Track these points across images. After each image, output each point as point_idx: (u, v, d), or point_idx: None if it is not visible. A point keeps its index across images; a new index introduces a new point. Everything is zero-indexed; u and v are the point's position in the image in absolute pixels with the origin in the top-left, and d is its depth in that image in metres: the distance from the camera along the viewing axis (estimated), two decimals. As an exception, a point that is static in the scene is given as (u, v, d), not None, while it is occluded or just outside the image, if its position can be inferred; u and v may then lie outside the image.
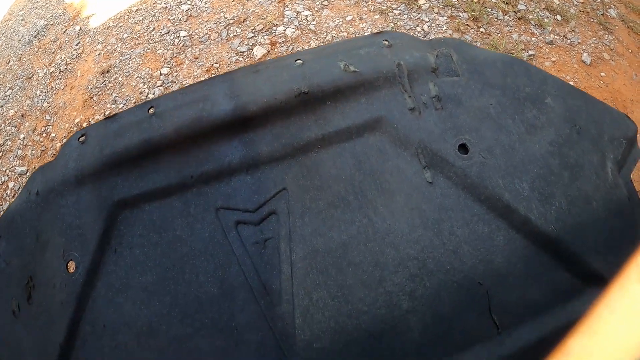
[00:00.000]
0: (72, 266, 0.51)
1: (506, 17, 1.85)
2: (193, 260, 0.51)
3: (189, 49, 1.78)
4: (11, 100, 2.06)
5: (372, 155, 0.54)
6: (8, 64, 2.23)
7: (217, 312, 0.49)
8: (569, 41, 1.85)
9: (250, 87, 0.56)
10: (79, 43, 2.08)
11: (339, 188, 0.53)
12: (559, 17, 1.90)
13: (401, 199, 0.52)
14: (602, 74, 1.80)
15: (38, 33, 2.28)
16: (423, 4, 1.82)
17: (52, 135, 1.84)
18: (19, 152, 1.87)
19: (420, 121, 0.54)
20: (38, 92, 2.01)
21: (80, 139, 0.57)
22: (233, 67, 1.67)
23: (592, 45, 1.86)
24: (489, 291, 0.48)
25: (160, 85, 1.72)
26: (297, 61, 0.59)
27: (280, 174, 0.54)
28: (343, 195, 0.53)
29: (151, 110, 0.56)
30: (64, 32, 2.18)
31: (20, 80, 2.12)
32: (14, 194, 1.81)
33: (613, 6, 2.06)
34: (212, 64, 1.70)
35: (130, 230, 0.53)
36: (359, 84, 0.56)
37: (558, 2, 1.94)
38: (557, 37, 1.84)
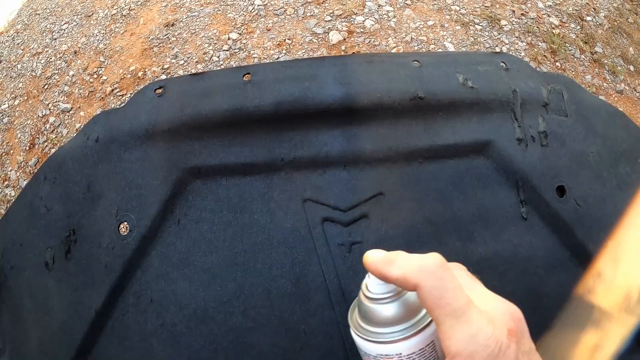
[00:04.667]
0: (125, 228, 0.45)
1: (582, 56, 1.67)
2: (269, 249, 0.44)
3: (262, 19, 1.57)
4: (66, 35, 1.83)
5: (475, 178, 0.49)
6: (69, -3, 1.99)
7: (287, 311, 0.43)
8: (637, 94, 1.68)
9: (364, 77, 0.49)
10: (146, -9, 1.85)
11: (437, 205, 0.47)
12: (631, 68, 1.72)
13: (495, 229, 0.47)
14: (665, 133, 1.64)
15: (104, -27, 2.04)
16: (505, 25, 1.63)
17: (104, 77, 1.63)
18: (66, 88, 1.66)
19: (525, 154, 0.49)
20: (95, 32, 1.78)
21: (157, 91, 0.48)
22: (306, 46, 1.48)
23: (659, 102, 1.70)
24: None
25: (227, 50, 1.51)
26: (415, 62, 0.52)
27: (379, 177, 0.47)
28: (440, 213, 0.47)
29: (247, 77, 0.48)
30: (132, -23, 1.95)
31: (78, 16, 1.89)
32: (53, 129, 1.60)
33: (679, 69, 1.89)
34: (285, 39, 1.50)
35: (201, 203, 0.45)
36: (474, 102, 0.50)
37: (633, 52, 1.76)
38: (627, 88, 1.67)
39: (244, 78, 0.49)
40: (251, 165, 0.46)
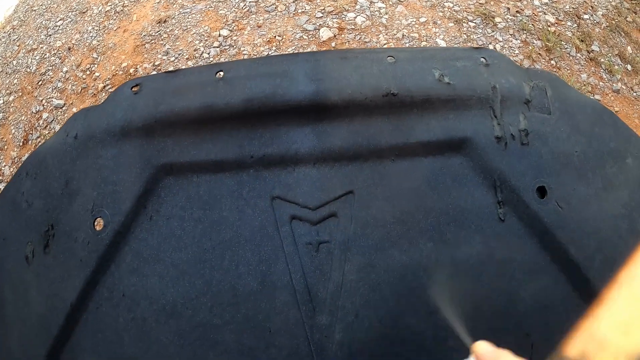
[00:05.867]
0: (99, 224, 0.44)
1: (578, 54, 1.61)
2: (236, 247, 0.43)
3: (253, 16, 1.53)
4: (60, 31, 1.81)
5: (449, 177, 0.46)
6: (64, -6, 1.96)
7: (253, 309, 0.42)
8: (634, 94, 1.62)
9: (336, 73, 0.46)
10: (139, -12, 1.82)
11: (410, 204, 0.45)
12: (629, 67, 1.66)
13: (470, 231, 0.44)
14: (661, 133, 1.58)
15: (100, -30, 2.01)
16: (499, 22, 1.58)
17: (96, 74, 1.60)
18: (59, 84, 1.64)
19: (504, 152, 0.46)
20: (89, 28, 1.76)
21: (134, 89, 0.48)
22: (296, 43, 1.44)
23: (656, 102, 1.64)
24: (534, 344, 0.42)
25: (217, 47, 1.48)
26: (389, 57, 0.49)
27: (349, 175, 0.45)
28: (412, 212, 0.44)
29: (219, 75, 0.47)
30: (127, -26, 1.92)
31: (73, 13, 1.87)
32: (46, 125, 1.58)
33: (678, 68, 1.82)
34: (275, 36, 1.46)
35: (172, 200, 0.44)
36: (451, 99, 0.47)
37: (631, 52, 1.69)
38: (624, 87, 1.61)
39: (217, 75, 0.47)
40: (221, 163, 0.45)
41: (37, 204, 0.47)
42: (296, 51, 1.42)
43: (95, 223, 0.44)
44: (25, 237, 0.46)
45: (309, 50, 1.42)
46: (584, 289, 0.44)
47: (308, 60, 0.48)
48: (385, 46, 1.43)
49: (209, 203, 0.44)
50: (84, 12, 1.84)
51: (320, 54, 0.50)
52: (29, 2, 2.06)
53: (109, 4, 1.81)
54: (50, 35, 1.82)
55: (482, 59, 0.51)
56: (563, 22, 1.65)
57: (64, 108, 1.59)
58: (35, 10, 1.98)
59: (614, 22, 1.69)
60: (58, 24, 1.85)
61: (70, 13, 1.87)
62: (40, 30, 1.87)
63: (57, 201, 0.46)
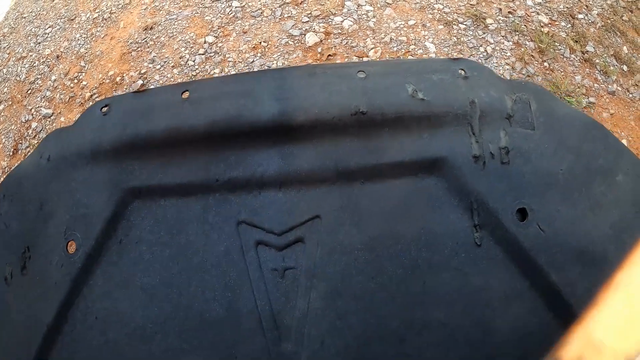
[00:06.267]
0: (72, 246, 0.44)
1: (573, 55, 1.56)
2: (202, 272, 0.42)
3: (239, 22, 1.50)
4: (49, 39, 1.80)
5: (423, 200, 0.44)
6: (53, 1, 1.95)
7: (219, 336, 0.41)
8: (630, 95, 1.57)
9: (303, 91, 0.45)
10: (127, -7, 1.79)
11: (379, 229, 0.43)
12: (625, 68, 1.61)
13: (444, 256, 0.43)
14: (658, 136, 1.53)
15: (89, -24, 1.98)
16: (490, 24, 1.53)
17: (84, 83, 1.59)
18: (48, 93, 1.63)
19: (482, 172, 0.44)
20: (77, 36, 1.74)
21: (103, 110, 0.47)
22: (282, 49, 1.41)
23: (653, 103, 1.58)
24: None
25: (203, 54, 1.45)
26: (360, 73, 0.46)
27: (316, 199, 0.44)
28: (382, 239, 0.43)
29: (185, 95, 0.46)
30: (115, -21, 1.89)
31: (62, 20, 1.85)
32: (36, 135, 1.58)
33: (677, 67, 1.76)
34: (260, 42, 1.43)
35: (140, 223, 0.44)
36: (425, 116, 0.45)
37: (627, 52, 1.64)
38: (620, 89, 1.56)
39: (183, 95, 0.46)
40: (188, 186, 0.44)
41: (14, 226, 0.47)
42: (282, 58, 1.39)
43: (68, 246, 0.44)
44: (4, 259, 0.46)
45: (294, 56, 1.39)
46: (565, 316, 0.41)
47: (274, 78, 0.46)
48: (372, 50, 1.39)
49: (176, 227, 0.44)
50: (72, 19, 1.82)
51: (287, 70, 0.48)
52: (19, 9, 2.04)
53: (96, 11, 1.79)
54: (39, 42, 1.81)
55: (461, 71, 0.48)
56: (557, 23, 1.60)
57: (52, 117, 1.58)
58: (25, 18, 1.97)
59: (609, 22, 1.64)
60: (47, 31, 1.84)
61: (59, 20, 1.86)
62: (29, 37, 1.86)
63: (32, 223, 0.46)
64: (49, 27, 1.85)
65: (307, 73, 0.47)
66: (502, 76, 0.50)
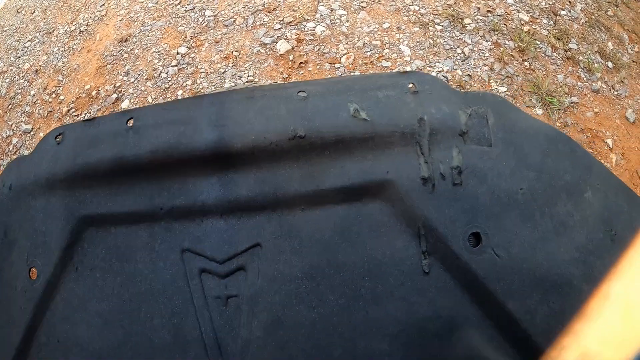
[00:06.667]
0: (34, 273, 0.46)
1: (555, 54, 1.51)
2: (151, 300, 0.43)
3: (212, 31, 1.48)
4: (29, 53, 1.79)
5: (367, 226, 0.42)
6: (32, 14, 1.94)
7: None
8: (615, 92, 1.51)
9: (240, 117, 0.44)
10: (103, 5, 1.77)
11: (320, 258, 0.42)
12: (610, 64, 1.55)
13: (388, 285, 0.41)
14: (644, 134, 1.47)
15: (67, -13, 1.97)
16: (468, 24, 1.48)
17: (61, 97, 1.58)
18: (27, 108, 1.63)
19: (431, 196, 0.42)
20: (55, 49, 1.73)
21: (58, 138, 0.48)
22: (253, 58, 1.38)
23: (639, 101, 1.53)
24: None
25: (175, 65, 1.44)
26: (300, 93, 0.45)
27: (256, 227, 0.43)
28: (323, 267, 0.42)
29: (130, 123, 0.47)
30: (92, -10, 1.88)
31: (41, 33, 1.84)
32: (16, 151, 1.58)
33: (667, 61, 1.69)
34: (232, 52, 1.40)
35: (94, 251, 0.45)
36: (368, 137, 0.43)
37: (612, 47, 1.58)
38: (604, 86, 1.51)
39: (128, 124, 0.46)
40: (135, 215, 0.44)
41: None
42: (253, 67, 1.36)
43: (31, 272, 0.45)
44: None
45: (266, 65, 1.36)
46: (523, 347, 0.39)
47: (213, 104, 0.45)
48: (344, 56, 1.36)
49: (126, 255, 0.44)
50: (50, 33, 1.81)
51: (226, 94, 0.47)
52: (0, 22, 2.04)
53: (74, 23, 1.77)
54: (19, 57, 1.81)
55: (410, 86, 0.45)
56: (538, 20, 1.54)
57: (32, 133, 1.58)
58: (5, 31, 1.97)
59: (593, 17, 1.57)
60: (27, 45, 1.83)
61: (38, 33, 1.85)
62: (10, 51, 1.86)
63: None
64: (29, 40, 1.85)
65: (245, 96, 0.46)
66: (456, 89, 0.46)
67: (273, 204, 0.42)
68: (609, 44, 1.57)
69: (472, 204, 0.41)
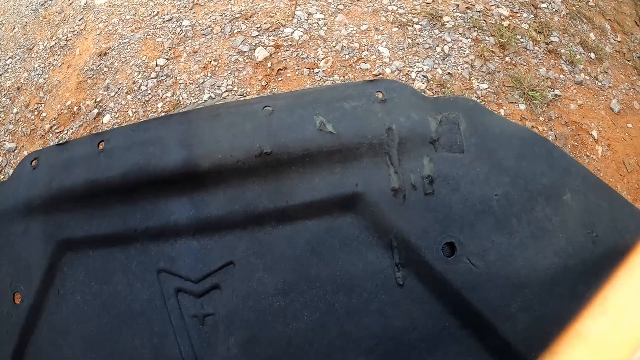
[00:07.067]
0: (18, 297, 0.46)
1: (536, 47, 1.48)
2: (130, 320, 0.43)
3: (189, 41, 1.46)
4: (10, 70, 1.77)
5: (337, 240, 0.42)
6: (12, 30, 1.92)
7: None
8: (599, 83, 1.49)
9: (207, 136, 0.44)
10: (82, 18, 1.75)
11: (292, 274, 0.42)
12: (592, 55, 1.53)
13: (362, 298, 0.41)
14: (629, 125, 1.46)
15: (45, 1, 1.94)
16: (447, 22, 1.46)
17: (43, 114, 1.57)
18: (10, 126, 1.61)
19: (402, 207, 0.41)
20: (36, 65, 1.71)
21: (33, 163, 0.49)
22: (232, 67, 1.36)
23: (624, 91, 1.51)
24: None
25: (154, 78, 1.42)
26: (266, 108, 0.44)
27: (229, 245, 0.43)
28: (295, 282, 0.42)
29: (101, 146, 0.47)
30: (70, 4, 1.85)
31: (21, 50, 1.82)
32: (1, 170, 1.57)
33: (651, 49, 1.67)
34: (210, 61, 1.38)
35: (74, 274, 0.45)
36: (335, 150, 0.42)
37: (594, 38, 1.56)
38: (588, 78, 1.49)
39: (99, 147, 0.46)
40: (111, 237, 0.44)
41: None
42: (232, 76, 1.35)
43: (15, 297, 0.45)
44: None
45: (244, 73, 1.35)
46: (504, 355, 0.39)
47: (181, 122, 0.45)
48: (322, 61, 1.34)
49: (105, 277, 0.45)
50: (30, 49, 1.79)
51: (193, 113, 0.47)
52: (-18, 41, 2.02)
53: (53, 39, 1.75)
54: (0, 74, 1.79)
55: (378, 94, 0.44)
56: (518, 15, 1.52)
57: (16, 151, 1.57)
58: (-13, 50, 1.95)
59: (574, 9, 1.55)
60: (7, 62, 1.81)
61: (18, 50, 1.83)
62: (-8, 70, 1.84)
63: None
64: (9, 57, 1.83)
65: (211, 114, 0.45)
66: (426, 95, 0.46)
67: (244, 221, 0.42)
68: (591, 34, 1.55)
69: (445, 213, 0.40)
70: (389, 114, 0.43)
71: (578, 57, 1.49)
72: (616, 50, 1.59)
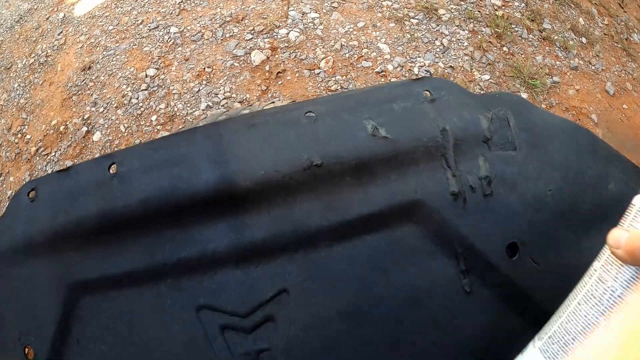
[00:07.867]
0: (31, 352, 0.39)
1: (531, 35, 1.47)
2: None
3: (179, 48, 1.37)
4: (-13, 92, 1.64)
5: (400, 253, 0.38)
6: (-14, 50, 1.77)
7: None
8: (593, 67, 1.49)
9: (243, 150, 0.39)
10: (61, 32, 1.63)
11: (355, 294, 0.38)
12: (584, 40, 1.53)
13: (431, 310, 0.38)
14: (624, 106, 1.46)
15: (21, 18, 1.81)
16: (443, 15, 1.43)
17: (28, 136, 1.45)
18: (-8, 152, 1.48)
19: (464, 210, 0.38)
20: (16, 85, 1.58)
21: (30, 195, 0.42)
22: (227, 72, 1.28)
23: (616, 73, 1.51)
24: None
25: (145, 89, 1.32)
26: (309, 114, 0.40)
27: (279, 271, 0.38)
28: (359, 303, 0.37)
29: (113, 169, 0.40)
30: (47, 18, 1.73)
31: (-2, 70, 1.69)
32: (-15, 200, 1.44)
33: (636, 30, 1.69)
34: (204, 68, 1.30)
35: (94, 321, 0.39)
36: (391, 156, 0.38)
37: (583, 23, 1.56)
38: (582, 62, 1.48)
39: (110, 170, 0.40)
40: (135, 274, 0.39)
41: None
42: (229, 82, 1.27)
43: (26, 351, 0.39)
44: None
45: (242, 78, 1.27)
46: None
47: (209, 137, 0.39)
48: (323, 61, 1.28)
49: (132, 321, 0.39)
50: (8, 68, 1.66)
51: (222, 125, 0.41)
52: (-47, 63, 1.86)
53: (32, 56, 1.63)
54: (-23, 98, 1.65)
55: (426, 93, 0.41)
56: (510, 4, 1.50)
57: (1, 179, 1.44)
58: (-41, 72, 1.80)
59: (563, -5, 1.55)
60: (-17, 84, 1.67)
61: (-6, 70, 1.69)
62: (-34, 93, 1.69)
63: None
64: (-15, 79, 1.69)
65: (245, 125, 0.39)
66: (473, 91, 0.43)
67: (294, 243, 0.37)
68: (580, 19, 1.55)
69: (506, 214, 0.38)
70: (440, 114, 0.39)
71: (571, 42, 1.49)
72: (605, 34, 1.59)
